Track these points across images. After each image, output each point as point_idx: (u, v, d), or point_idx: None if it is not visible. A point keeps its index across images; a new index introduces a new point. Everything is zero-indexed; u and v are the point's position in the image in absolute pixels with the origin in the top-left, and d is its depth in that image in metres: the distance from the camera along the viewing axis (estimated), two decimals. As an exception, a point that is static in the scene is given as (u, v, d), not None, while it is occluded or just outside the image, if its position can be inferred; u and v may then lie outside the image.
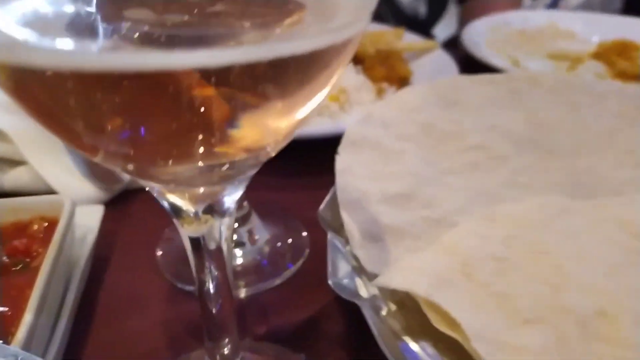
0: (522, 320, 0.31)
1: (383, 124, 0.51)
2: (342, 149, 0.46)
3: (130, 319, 0.38)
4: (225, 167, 0.19)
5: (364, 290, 0.35)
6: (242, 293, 0.40)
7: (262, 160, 0.20)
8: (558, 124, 0.53)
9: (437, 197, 0.44)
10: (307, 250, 0.44)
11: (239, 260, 0.42)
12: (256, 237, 0.44)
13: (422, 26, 0.94)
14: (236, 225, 0.42)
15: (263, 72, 0.16)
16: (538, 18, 0.92)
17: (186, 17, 0.19)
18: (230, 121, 0.17)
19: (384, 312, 0.34)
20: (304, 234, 0.45)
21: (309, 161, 0.52)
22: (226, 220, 0.22)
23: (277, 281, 0.42)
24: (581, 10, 1.08)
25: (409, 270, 0.34)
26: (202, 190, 0.20)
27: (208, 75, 0.15)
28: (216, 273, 0.24)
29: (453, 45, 0.84)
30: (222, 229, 0.22)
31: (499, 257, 0.35)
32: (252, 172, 0.21)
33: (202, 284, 0.24)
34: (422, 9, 0.93)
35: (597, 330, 0.30)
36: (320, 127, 0.56)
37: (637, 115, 0.55)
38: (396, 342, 0.31)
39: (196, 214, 0.21)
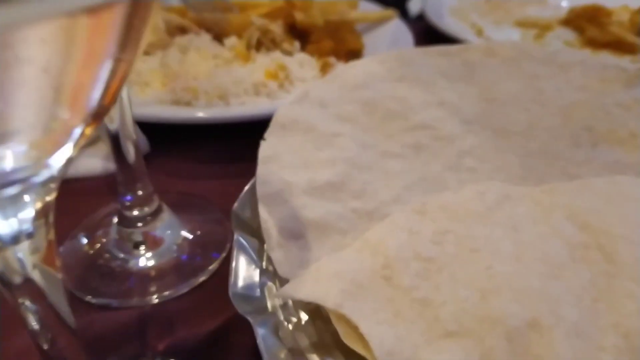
0: (443, 332, 0.27)
1: (320, 103, 0.46)
2: (269, 133, 0.41)
3: (15, 336, 0.33)
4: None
5: (275, 299, 0.31)
6: (157, 299, 0.36)
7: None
8: (513, 98, 0.48)
9: (372, 185, 0.40)
10: (229, 245, 0.39)
11: (150, 263, 0.38)
12: (169, 234, 0.39)
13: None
14: (140, 224, 0.38)
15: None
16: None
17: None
18: None
19: (290, 326, 0.29)
20: (226, 226, 0.41)
21: (242, 146, 0.48)
22: (24, 246, 0.17)
23: (201, 278, 0.37)
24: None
25: (321, 276, 0.29)
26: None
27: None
28: (36, 307, 0.20)
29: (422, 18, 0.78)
30: (20, 258, 0.18)
31: (425, 256, 0.30)
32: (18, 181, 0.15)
33: (24, 320, 0.20)
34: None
35: (527, 345, 0.26)
36: (255, 108, 0.51)
37: (601, 88, 0.50)
38: (296, 364, 0.27)
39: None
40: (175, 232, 0.40)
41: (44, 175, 0.16)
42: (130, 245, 0.38)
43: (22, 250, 0.17)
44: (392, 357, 0.25)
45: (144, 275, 0.38)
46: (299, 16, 0.64)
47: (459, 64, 0.52)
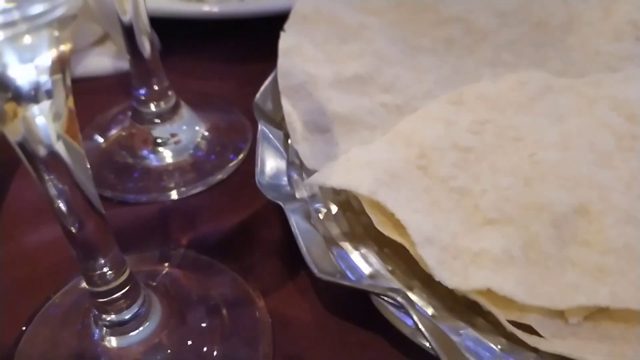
0: (483, 220, 0.25)
1: (343, -6, 0.43)
2: (289, 25, 0.39)
3: (36, 232, 0.32)
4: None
5: (302, 190, 0.30)
6: (175, 195, 0.35)
7: None
8: (551, -9, 0.45)
9: (402, 79, 0.37)
10: (249, 144, 0.37)
11: (169, 159, 0.36)
12: (187, 130, 0.37)
13: None
14: (157, 120, 0.36)
15: None
16: None
17: None
18: None
19: (320, 216, 0.28)
20: (246, 125, 0.39)
21: (258, 44, 0.45)
22: (45, 106, 0.15)
23: (218, 176, 0.36)
24: None
25: (352, 165, 0.28)
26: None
27: None
28: (61, 185, 0.18)
29: None
30: (43, 124, 0.16)
31: (463, 146, 0.29)
32: (40, 9, 0.13)
33: (50, 200, 0.19)
34: None
35: (575, 231, 0.24)
36: (271, 2, 0.47)
37: (646, -20, 0.46)
38: (329, 251, 0.26)
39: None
40: (193, 130, 0.38)
41: (57, 11, 0.14)
42: (147, 142, 0.37)
43: (44, 113, 0.16)
44: (431, 243, 0.24)
45: (162, 172, 0.36)
46: None
47: (492, -45, 0.48)
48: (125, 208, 0.34)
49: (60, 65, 0.15)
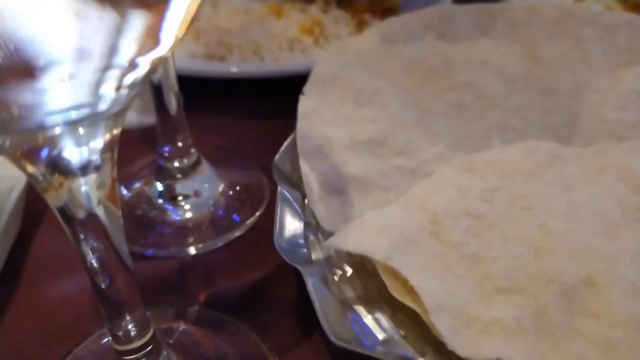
0: (495, 288, 0.26)
1: (359, 59, 0.45)
2: (308, 88, 0.41)
3: (59, 282, 0.34)
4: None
5: (318, 251, 0.31)
6: (194, 250, 0.36)
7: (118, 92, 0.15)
8: (558, 59, 0.47)
9: (415, 143, 0.39)
10: (267, 201, 0.39)
11: (189, 215, 0.38)
12: (207, 187, 0.39)
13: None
14: (179, 176, 0.37)
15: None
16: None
17: None
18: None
19: (336, 278, 0.29)
20: (264, 182, 0.40)
21: (277, 102, 0.47)
22: (91, 179, 0.17)
23: (237, 233, 0.37)
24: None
25: (367, 229, 0.29)
26: (39, 138, 0.15)
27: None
28: (97, 244, 0.19)
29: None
30: (86, 191, 0.17)
31: (474, 213, 0.30)
32: (103, 107, 0.15)
33: (83, 258, 0.20)
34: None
35: (583, 303, 0.25)
36: (290, 64, 0.50)
37: (650, 50, 0.48)
38: (344, 314, 0.27)
39: (43, 175, 0.16)
40: (214, 186, 0.39)
41: (115, 107, 0.15)
42: (168, 197, 0.38)
43: (89, 184, 0.17)
44: (444, 310, 0.25)
45: (181, 227, 0.38)
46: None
47: (502, 23, 0.51)
48: (144, 262, 0.35)
49: (111, 145, 0.17)
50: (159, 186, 0.38)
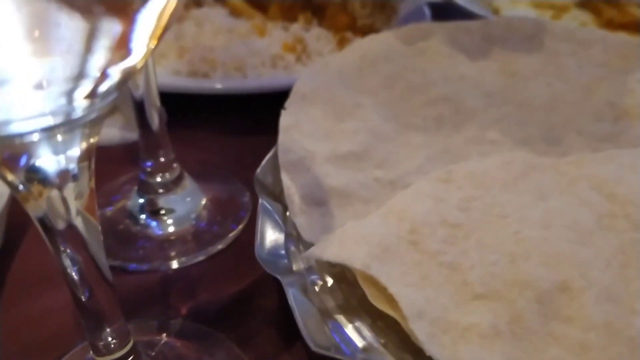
0: (472, 295, 0.27)
1: (339, 75, 0.46)
2: (289, 103, 0.41)
3: (41, 296, 0.33)
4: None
5: (299, 262, 0.31)
6: (176, 264, 0.36)
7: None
8: (534, 73, 0.48)
9: (394, 155, 0.39)
10: (249, 214, 0.39)
11: (171, 229, 0.38)
12: (190, 201, 0.39)
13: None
14: (162, 190, 0.38)
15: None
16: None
17: None
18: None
19: (317, 288, 0.29)
20: (246, 196, 0.41)
21: (259, 118, 0.47)
22: (70, 188, 0.17)
23: (219, 246, 0.37)
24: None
25: (347, 239, 0.29)
26: (16, 144, 0.15)
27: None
28: (76, 256, 0.19)
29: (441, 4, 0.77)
30: (65, 201, 0.17)
31: (451, 222, 0.30)
32: (79, 114, 0.15)
33: (63, 269, 0.20)
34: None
35: (557, 308, 0.26)
36: (272, 80, 0.50)
37: (622, 64, 0.49)
38: (325, 323, 0.27)
39: (23, 184, 0.16)
40: (196, 200, 0.40)
41: (90, 115, 0.16)
42: (150, 211, 0.38)
43: (67, 193, 0.17)
44: (422, 317, 0.25)
45: (164, 241, 0.38)
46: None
47: (479, 39, 0.52)
48: (127, 276, 0.35)
49: (88, 154, 0.17)
50: (142, 201, 0.38)
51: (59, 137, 0.15)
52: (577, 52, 0.51)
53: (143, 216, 0.38)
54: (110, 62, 0.15)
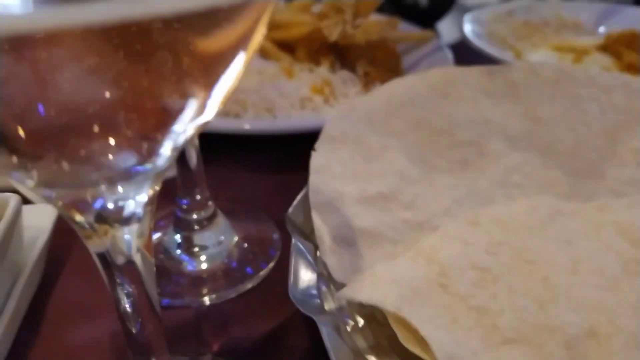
0: (501, 339, 0.27)
1: (367, 118, 0.47)
2: (319, 145, 0.43)
3: (79, 329, 0.35)
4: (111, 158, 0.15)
5: (331, 302, 0.32)
6: (208, 300, 0.37)
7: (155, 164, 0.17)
8: (557, 118, 0.49)
9: (422, 197, 0.40)
10: (279, 253, 0.40)
11: (204, 265, 0.39)
12: (223, 239, 0.40)
13: (423, 18, 0.89)
14: (197, 227, 0.39)
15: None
16: (543, 9, 0.88)
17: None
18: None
19: (348, 328, 0.30)
20: (276, 235, 0.42)
21: (289, 158, 0.49)
22: (134, 228, 0.19)
23: (249, 284, 0.38)
24: (594, 1, 1.03)
25: (378, 281, 0.30)
26: (86, 193, 0.17)
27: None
28: (132, 289, 0.21)
29: (460, 46, 0.79)
30: (128, 239, 0.19)
31: (480, 266, 0.31)
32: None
33: (117, 302, 0.21)
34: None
35: (586, 353, 0.26)
36: (301, 121, 0.52)
37: (644, 109, 0.50)
38: (357, 363, 0.28)
39: (90, 224, 0.18)
40: (228, 238, 0.41)
41: (161, 166, 0.17)
42: (185, 248, 0.39)
43: (131, 233, 0.19)
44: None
45: (196, 278, 0.39)
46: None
47: (502, 84, 0.53)
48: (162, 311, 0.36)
49: (152, 199, 0.19)
50: (177, 237, 0.40)
51: (134, 185, 0.17)
52: (600, 97, 0.52)
53: (178, 252, 0.39)
54: (191, 120, 0.16)
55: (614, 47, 0.77)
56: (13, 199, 0.34)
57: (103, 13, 0.12)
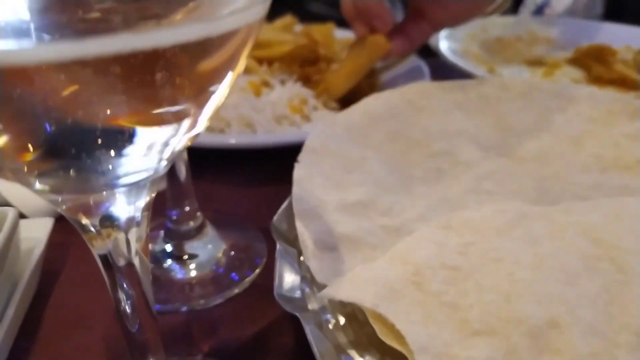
0: (471, 331, 0.30)
1: (347, 131, 0.50)
2: (302, 157, 0.45)
3: (74, 336, 0.36)
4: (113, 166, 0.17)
5: (314, 302, 0.34)
6: (198, 305, 0.39)
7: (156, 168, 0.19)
8: (527, 128, 0.52)
9: (398, 204, 0.43)
10: (264, 260, 0.42)
11: (193, 273, 0.41)
12: (211, 247, 0.42)
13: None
14: (186, 237, 0.41)
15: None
16: (516, 25, 0.92)
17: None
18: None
19: (330, 326, 0.32)
20: (262, 243, 0.44)
21: (272, 170, 0.51)
22: (134, 232, 0.21)
23: (236, 290, 0.40)
24: (564, 17, 1.07)
25: (357, 281, 0.32)
26: (91, 198, 0.19)
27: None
28: (131, 291, 0.23)
29: (429, 52, 0.83)
30: (130, 242, 0.21)
31: (451, 265, 0.33)
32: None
33: (117, 303, 0.23)
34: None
35: (548, 342, 0.28)
36: (285, 136, 0.55)
37: (609, 119, 0.54)
38: (339, 357, 0.30)
39: (95, 227, 0.20)
40: (216, 247, 0.43)
41: (157, 173, 0.19)
42: (175, 257, 0.41)
43: (131, 236, 0.21)
44: (426, 351, 0.28)
45: (186, 285, 0.41)
46: (322, 52, 0.68)
47: (475, 97, 0.56)
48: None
49: (149, 205, 0.21)
50: (168, 247, 0.42)
51: (135, 191, 0.19)
52: (567, 107, 0.55)
53: (169, 261, 0.41)
54: (187, 132, 0.19)
55: (583, 60, 0.81)
56: (11, 212, 0.36)
57: (120, 44, 0.14)
